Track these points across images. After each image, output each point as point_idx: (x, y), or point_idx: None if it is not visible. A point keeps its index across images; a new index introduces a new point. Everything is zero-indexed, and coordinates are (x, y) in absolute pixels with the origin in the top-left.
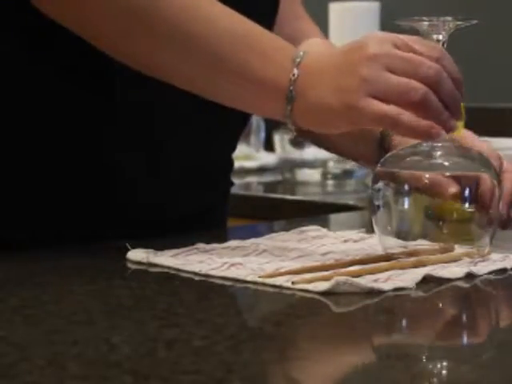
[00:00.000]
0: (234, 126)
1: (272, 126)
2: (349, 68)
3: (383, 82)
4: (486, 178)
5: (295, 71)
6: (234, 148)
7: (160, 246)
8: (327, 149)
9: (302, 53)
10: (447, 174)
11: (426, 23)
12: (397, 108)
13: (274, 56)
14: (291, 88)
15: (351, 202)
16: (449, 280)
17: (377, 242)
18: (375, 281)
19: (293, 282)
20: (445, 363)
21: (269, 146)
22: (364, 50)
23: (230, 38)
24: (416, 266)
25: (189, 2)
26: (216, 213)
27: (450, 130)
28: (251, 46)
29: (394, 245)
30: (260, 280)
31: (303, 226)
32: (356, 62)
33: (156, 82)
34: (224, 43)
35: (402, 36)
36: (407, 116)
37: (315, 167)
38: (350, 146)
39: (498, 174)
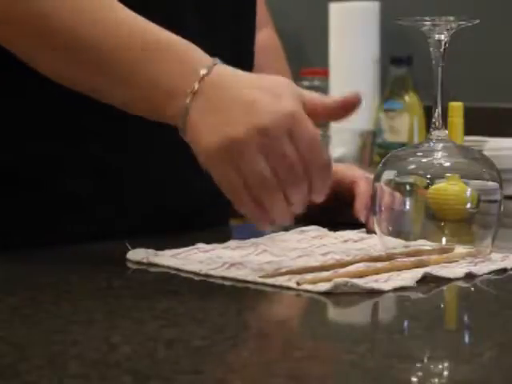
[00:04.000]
0: None
1: None
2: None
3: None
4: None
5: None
6: None
7: (160, 246)
8: None
9: (206, 71)
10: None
11: (428, 23)
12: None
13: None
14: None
15: None
16: (449, 280)
17: (377, 242)
18: (375, 281)
19: (298, 283)
20: (445, 363)
21: None
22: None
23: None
24: (416, 266)
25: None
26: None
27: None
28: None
29: (395, 245)
30: (260, 280)
31: (303, 226)
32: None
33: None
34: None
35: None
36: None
37: None
38: None
39: (500, 176)
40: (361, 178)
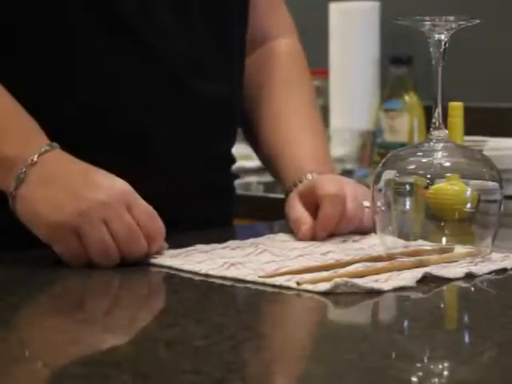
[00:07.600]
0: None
1: None
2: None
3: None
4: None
5: (35, 157)
6: (227, 142)
7: None
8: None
9: (48, 147)
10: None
11: (428, 23)
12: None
13: (20, 137)
14: (24, 170)
15: None
16: (449, 280)
17: (376, 242)
18: (375, 281)
19: (298, 283)
20: (445, 363)
21: None
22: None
23: None
24: (417, 266)
25: None
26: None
27: None
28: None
29: (395, 245)
30: (260, 280)
31: None
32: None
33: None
34: None
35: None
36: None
37: None
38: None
39: (500, 176)
40: (329, 198)
